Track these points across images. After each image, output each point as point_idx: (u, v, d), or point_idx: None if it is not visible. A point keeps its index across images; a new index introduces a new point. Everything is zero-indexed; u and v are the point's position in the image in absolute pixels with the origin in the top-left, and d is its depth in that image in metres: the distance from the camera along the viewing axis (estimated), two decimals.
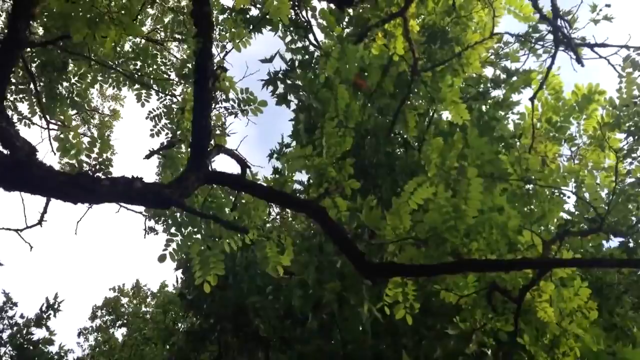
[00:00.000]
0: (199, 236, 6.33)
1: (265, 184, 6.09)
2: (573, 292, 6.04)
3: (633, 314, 8.05)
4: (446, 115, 10.12)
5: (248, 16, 9.77)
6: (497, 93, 12.81)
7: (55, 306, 15.27)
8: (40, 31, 9.44)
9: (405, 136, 9.30)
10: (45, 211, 7.39)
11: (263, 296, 11.72)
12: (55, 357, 15.44)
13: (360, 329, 9.98)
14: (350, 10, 7.52)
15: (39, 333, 15.06)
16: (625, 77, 6.48)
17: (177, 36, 11.04)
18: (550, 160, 6.82)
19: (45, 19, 8.63)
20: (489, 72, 13.04)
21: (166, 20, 11.35)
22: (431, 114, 7.32)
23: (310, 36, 10.90)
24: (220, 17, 10.17)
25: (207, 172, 5.53)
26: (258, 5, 8.88)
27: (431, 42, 6.86)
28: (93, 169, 5.13)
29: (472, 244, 5.89)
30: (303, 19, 10.95)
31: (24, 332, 14.62)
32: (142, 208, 8.64)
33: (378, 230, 6.25)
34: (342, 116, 5.52)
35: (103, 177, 4.93)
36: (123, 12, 5.13)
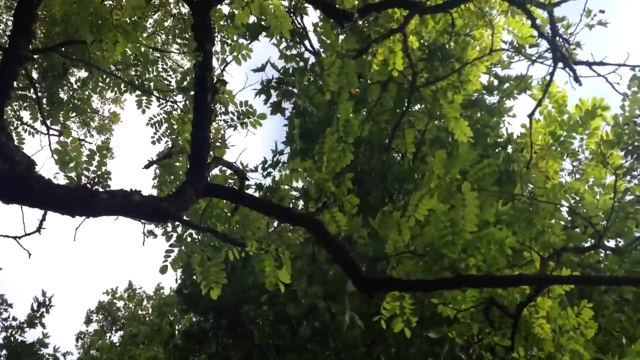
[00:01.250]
0: (199, 247, 6.34)
1: (263, 198, 6.09)
2: (576, 310, 6.03)
3: (618, 315, 7.95)
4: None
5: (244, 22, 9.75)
6: (491, 100, 12.86)
7: (47, 303, 15.20)
8: (40, 33, 9.45)
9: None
10: (44, 219, 7.35)
11: (257, 304, 11.73)
12: (50, 358, 15.35)
13: (356, 338, 10.00)
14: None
15: (33, 334, 14.98)
16: (630, 96, 6.46)
17: (178, 41, 11.04)
18: (552, 176, 6.81)
19: (47, 25, 8.66)
20: (482, 78, 13.07)
21: (167, 24, 11.35)
22: (425, 128, 7.33)
23: (306, 42, 10.91)
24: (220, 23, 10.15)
25: (206, 185, 5.54)
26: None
27: (432, 59, 6.85)
28: (92, 182, 5.14)
29: (470, 259, 5.90)
30: (298, 26, 10.93)
31: (17, 334, 14.55)
32: None
33: (359, 238, 6.26)
34: (341, 132, 5.52)
35: (101, 190, 4.93)
36: (128, 21, 5.13)
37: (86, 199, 4.66)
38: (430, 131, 8.09)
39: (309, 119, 10.04)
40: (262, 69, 10.16)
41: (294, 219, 5.71)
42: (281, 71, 10.39)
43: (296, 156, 10.14)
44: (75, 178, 5.08)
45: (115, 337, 21.82)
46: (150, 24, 11.16)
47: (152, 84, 8.96)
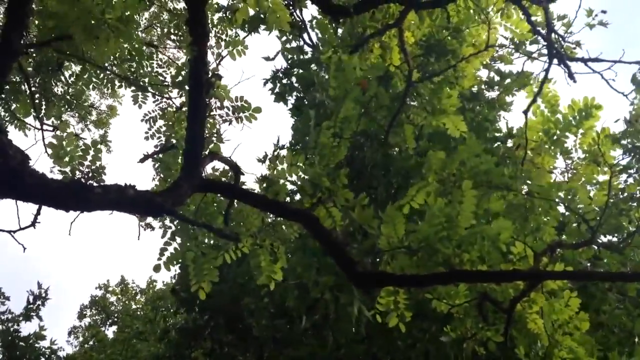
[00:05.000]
0: (193, 243, 6.32)
1: (258, 192, 6.08)
2: (563, 303, 6.06)
3: (619, 311, 7.99)
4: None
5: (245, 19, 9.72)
6: (491, 94, 12.89)
7: (43, 295, 15.19)
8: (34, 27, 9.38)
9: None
10: (38, 213, 7.31)
11: (257, 297, 11.74)
12: (47, 351, 15.34)
13: (354, 330, 10.00)
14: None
15: (30, 327, 14.97)
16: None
17: (173, 37, 10.98)
18: (546, 172, 6.82)
19: (41, 19, 8.59)
20: (482, 73, 13.08)
21: (162, 18, 11.29)
22: (421, 125, 7.31)
23: (305, 36, 10.88)
24: (216, 17, 10.09)
25: (201, 180, 5.53)
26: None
27: (428, 54, 6.85)
28: (86, 177, 5.12)
29: (464, 254, 5.91)
30: (298, 19, 10.91)
31: (13, 327, 14.51)
32: None
33: (370, 229, 6.24)
34: (338, 127, 5.52)
35: (95, 185, 4.92)
36: (119, 21, 5.11)
37: (80, 193, 4.63)
38: (428, 126, 8.07)
39: (323, 110, 10.06)
40: (273, 58, 10.23)
41: (288, 214, 5.70)
42: (289, 62, 10.47)
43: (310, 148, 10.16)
44: (70, 172, 5.06)
45: (109, 332, 21.78)
46: (145, 18, 11.10)
47: (147, 79, 8.92)
